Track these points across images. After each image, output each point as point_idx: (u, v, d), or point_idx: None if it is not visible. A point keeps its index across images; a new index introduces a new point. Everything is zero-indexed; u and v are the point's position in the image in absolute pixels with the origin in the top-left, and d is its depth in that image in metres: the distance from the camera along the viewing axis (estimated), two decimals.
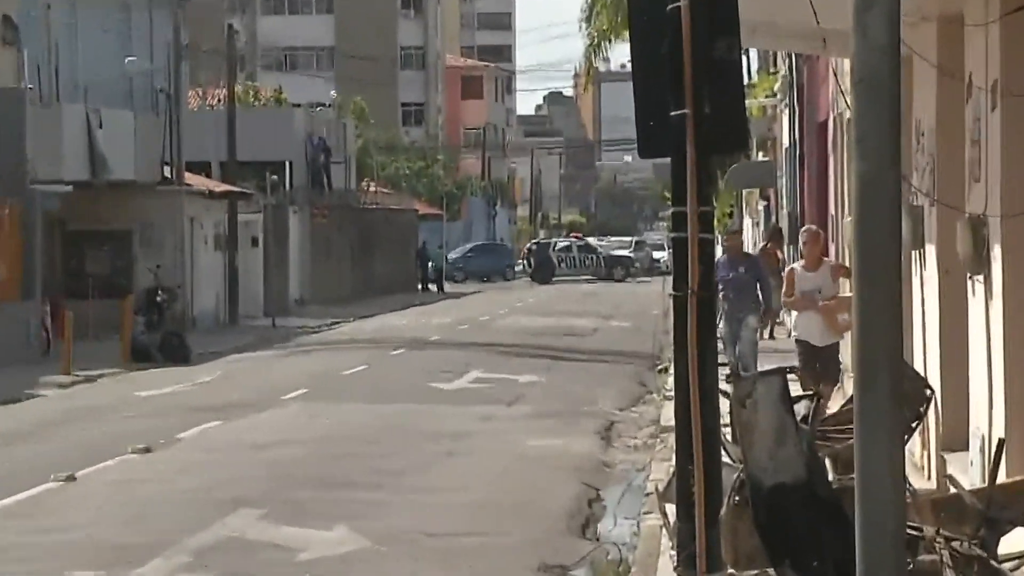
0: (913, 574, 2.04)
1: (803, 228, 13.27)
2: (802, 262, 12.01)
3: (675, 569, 7.21)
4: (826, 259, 12.19)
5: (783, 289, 12.04)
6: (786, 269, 12.65)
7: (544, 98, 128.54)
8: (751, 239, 37.98)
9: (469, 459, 12.09)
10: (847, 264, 11.99)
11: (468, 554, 8.48)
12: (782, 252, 22.60)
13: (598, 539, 9.08)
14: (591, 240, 63.53)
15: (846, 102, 11.08)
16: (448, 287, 50.68)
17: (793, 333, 12.44)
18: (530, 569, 8.08)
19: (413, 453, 12.42)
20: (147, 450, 12.62)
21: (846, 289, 11.90)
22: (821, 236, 12.48)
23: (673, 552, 7.45)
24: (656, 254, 62.74)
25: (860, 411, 2.20)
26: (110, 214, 28.31)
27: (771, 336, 20.01)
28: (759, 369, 14.70)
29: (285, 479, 11.08)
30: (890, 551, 2.21)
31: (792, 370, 11.16)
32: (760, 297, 14.39)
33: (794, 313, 12.28)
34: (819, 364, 11.50)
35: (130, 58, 28.47)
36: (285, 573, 8.02)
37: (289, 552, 8.51)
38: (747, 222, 38.38)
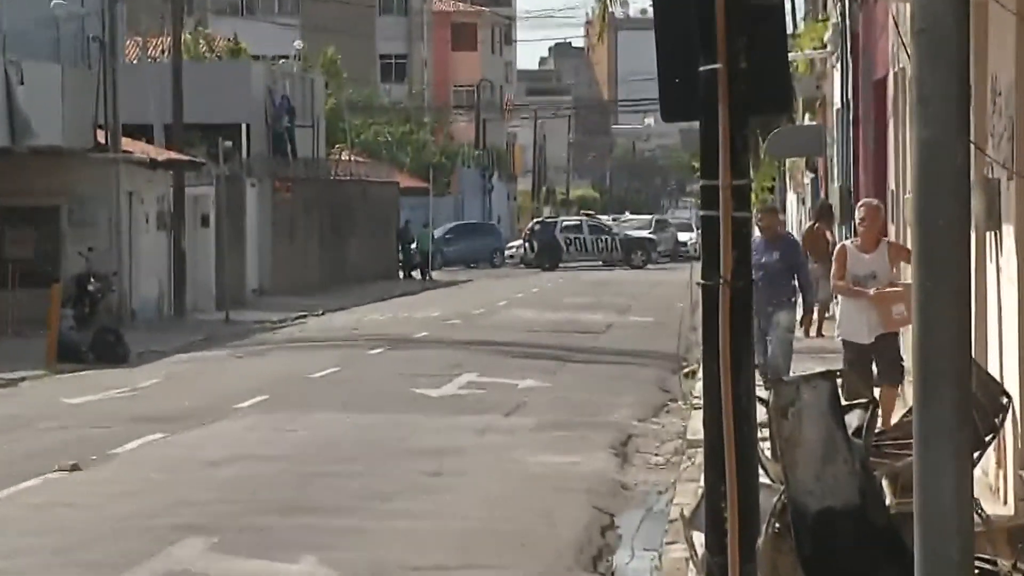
0: None
1: (861, 202, 13.08)
2: (856, 240, 11.84)
3: None
4: (885, 239, 12.03)
5: (832, 271, 11.91)
6: (837, 247, 12.52)
7: (550, 50, 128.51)
8: (795, 218, 38.00)
9: (460, 480, 12.12)
10: (910, 247, 11.96)
11: None
12: (832, 233, 22.62)
13: (612, 574, 9.10)
14: (604, 219, 63.61)
15: (908, 55, 11.09)
16: (435, 275, 50.70)
17: (837, 332, 12.26)
18: None
19: (394, 472, 12.44)
20: (76, 468, 12.65)
21: (905, 276, 11.83)
22: (882, 211, 12.32)
23: None
24: (682, 235, 62.79)
25: (920, 427, 2.21)
26: (33, 187, 28.32)
27: (818, 334, 20.03)
28: (793, 375, 14.59)
29: (241, 503, 11.10)
30: None
31: (840, 374, 11.05)
32: (797, 288, 14.24)
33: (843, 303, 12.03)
34: (873, 363, 11.40)
35: (57, 0, 28.43)
36: None
37: None
38: (791, 198, 38.41)
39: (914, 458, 2.23)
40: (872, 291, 11.39)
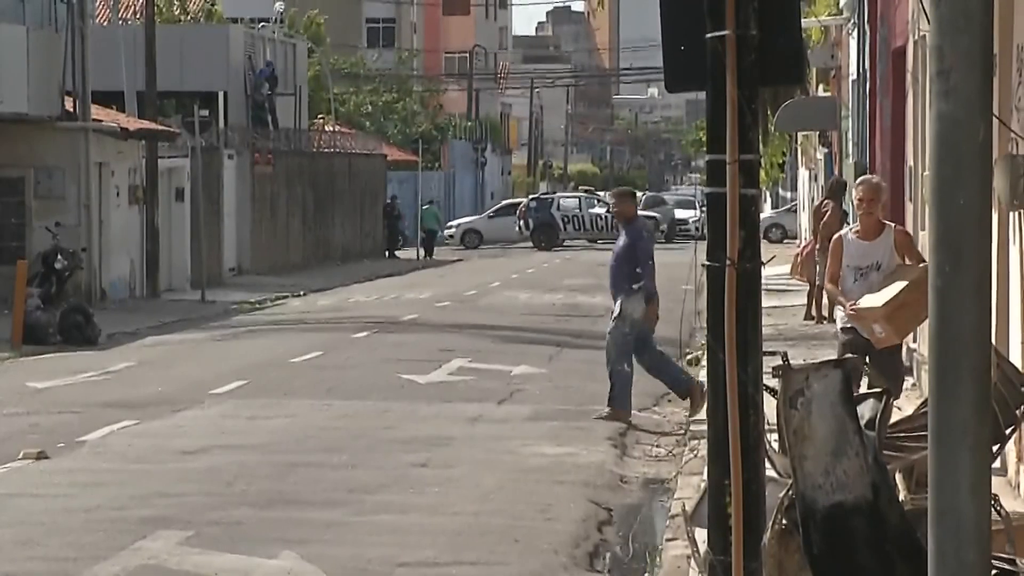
0: None
1: (859, 180, 11.76)
2: (855, 227, 10.72)
3: None
4: (891, 225, 10.89)
5: (827, 266, 10.80)
6: (833, 239, 10.96)
7: (548, 14, 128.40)
8: (807, 196, 37.94)
9: (450, 471, 12.14)
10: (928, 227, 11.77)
11: None
12: (845, 213, 22.61)
13: (610, 572, 9.13)
14: (603, 196, 63.56)
15: (928, 23, 11.08)
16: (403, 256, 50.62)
17: (840, 316, 10.87)
18: None
19: (380, 463, 12.46)
20: (43, 456, 12.66)
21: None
22: (884, 191, 11.18)
23: None
24: (682, 213, 62.54)
25: (936, 423, 2.21)
26: None
27: (829, 318, 20.05)
28: (619, 370, 14.77)
29: (217, 494, 11.12)
30: None
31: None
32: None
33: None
34: (866, 363, 10.23)
35: None
36: None
37: None
38: (802, 174, 38.41)
39: (929, 456, 2.23)
40: (848, 305, 10.35)
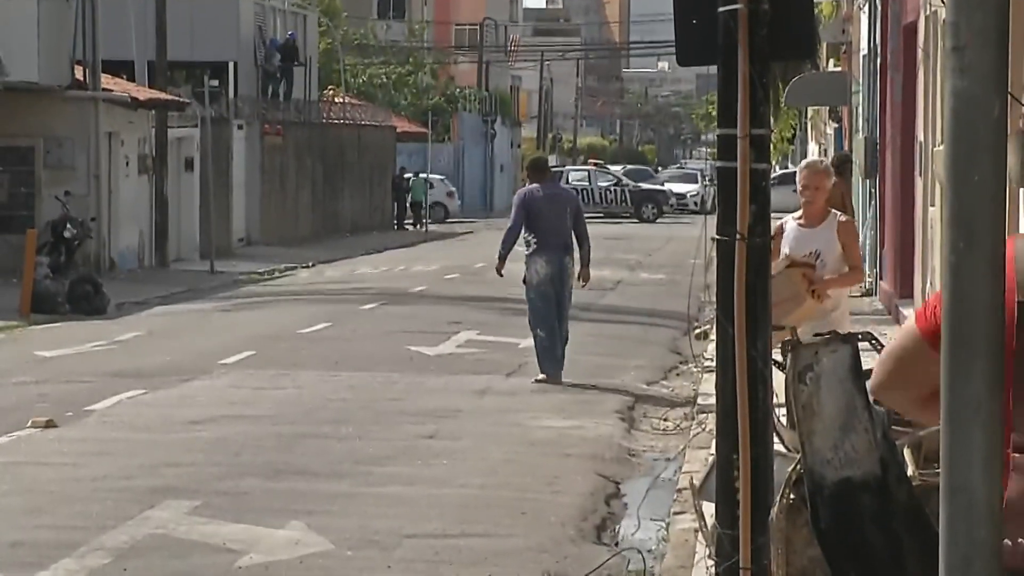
0: None
1: (803, 163, 10.81)
2: (798, 214, 9.93)
3: None
4: (834, 213, 10.16)
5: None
6: (775, 225, 10.62)
7: None
8: None
9: (458, 444, 12.16)
10: (937, 205, 11.47)
11: (455, 561, 8.54)
12: (849, 190, 22.59)
13: (617, 544, 9.14)
14: (615, 169, 63.41)
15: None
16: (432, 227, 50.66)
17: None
18: None
19: (388, 435, 12.48)
20: (51, 424, 12.69)
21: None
22: (830, 177, 10.28)
23: (710, 562, 7.51)
24: (681, 188, 62.14)
25: (948, 401, 2.20)
26: (7, 127, 28.28)
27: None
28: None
29: (224, 465, 11.14)
30: (982, 567, 2.23)
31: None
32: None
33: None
34: None
35: None
36: None
37: (229, 555, 8.57)
38: (812, 148, 38.38)
39: (941, 433, 2.23)
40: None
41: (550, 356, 15.27)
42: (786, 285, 9.04)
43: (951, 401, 2.18)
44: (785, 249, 9.58)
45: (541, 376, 15.28)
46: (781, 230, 9.82)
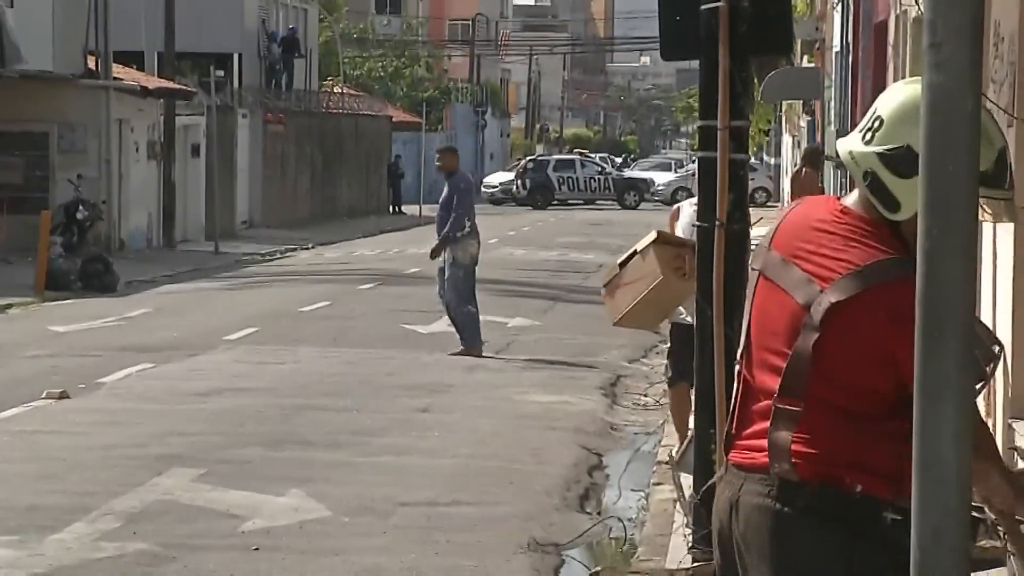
0: (971, 562, 2.07)
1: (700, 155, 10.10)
2: (695, 200, 9.05)
3: (689, 550, 7.28)
4: None
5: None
6: (674, 207, 9.98)
7: None
8: (789, 161, 37.86)
9: (450, 416, 12.15)
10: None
11: (446, 527, 8.54)
12: (821, 180, 22.57)
13: (599, 513, 9.15)
14: (596, 158, 63.36)
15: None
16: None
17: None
18: (517, 546, 8.15)
19: (383, 408, 12.47)
20: (65, 396, 12.66)
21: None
22: None
23: (687, 530, 7.51)
24: (659, 176, 61.72)
25: (922, 378, 2.20)
26: (23, 112, 28.19)
27: None
28: (463, 312, 15.31)
29: (228, 435, 11.13)
30: (951, 535, 2.23)
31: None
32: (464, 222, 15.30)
33: None
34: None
35: None
36: (229, 544, 8.08)
37: (233, 520, 8.56)
38: (786, 140, 38.34)
39: (915, 410, 2.23)
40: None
41: (477, 330, 15.53)
42: (647, 263, 8.25)
43: (923, 379, 2.18)
44: (679, 232, 9.30)
45: (461, 348, 15.45)
46: (677, 214, 9.74)
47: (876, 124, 3.34)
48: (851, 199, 3.42)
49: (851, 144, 3.40)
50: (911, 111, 3.27)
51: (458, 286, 15.51)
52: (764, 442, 3.31)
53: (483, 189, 58.10)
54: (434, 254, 15.89)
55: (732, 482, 3.41)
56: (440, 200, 15.91)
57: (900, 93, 3.37)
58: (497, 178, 59.83)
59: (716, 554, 3.55)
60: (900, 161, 3.27)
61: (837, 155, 3.48)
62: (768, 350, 3.36)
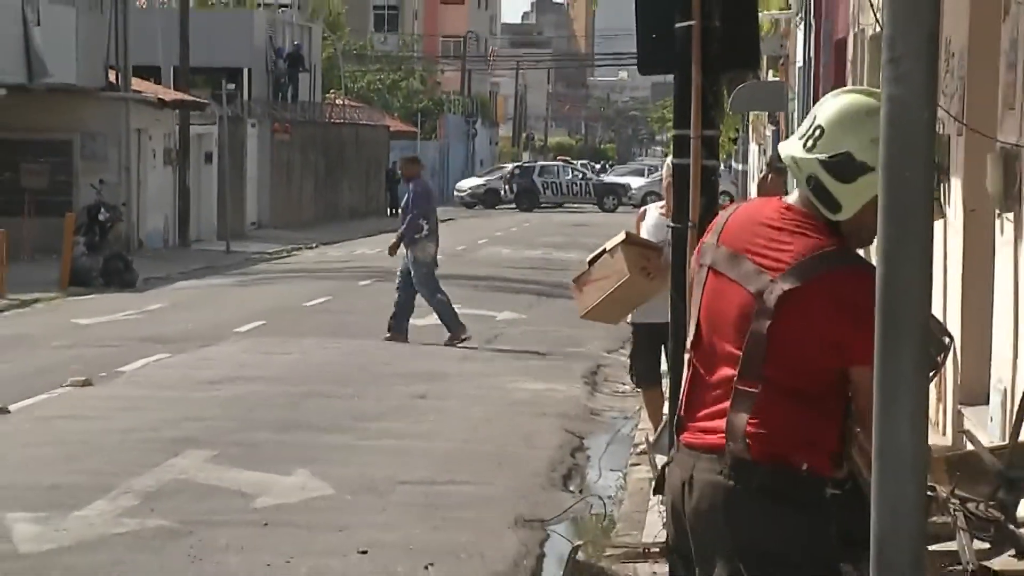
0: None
1: (667, 160, 9.08)
2: (662, 204, 8.98)
3: (664, 526, 7.27)
4: None
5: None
6: (639, 210, 9.74)
7: (532, 5, 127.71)
8: (755, 167, 37.90)
9: (444, 403, 12.14)
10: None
11: (441, 504, 8.53)
12: (785, 185, 22.55)
13: (581, 492, 9.15)
14: (578, 164, 63.38)
15: (876, 18, 11.00)
16: None
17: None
18: (507, 522, 8.15)
19: (382, 395, 12.45)
20: (88, 383, 12.63)
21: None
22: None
23: (662, 508, 7.51)
24: (634, 181, 61.28)
25: (881, 381, 2.20)
26: (48, 122, 28.11)
27: None
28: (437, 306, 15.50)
29: (238, 419, 11.11)
30: (907, 516, 2.23)
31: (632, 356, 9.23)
32: (423, 224, 15.54)
33: None
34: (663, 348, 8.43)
35: None
36: (241, 520, 8.06)
37: (244, 498, 8.55)
38: (753, 148, 38.36)
39: (874, 403, 2.23)
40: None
41: (455, 314, 15.64)
42: (616, 262, 8.10)
43: (883, 375, 2.18)
44: (644, 233, 9.02)
45: (449, 336, 15.55)
46: (644, 215, 9.41)
47: (817, 132, 3.34)
48: (793, 198, 3.43)
49: (793, 150, 3.40)
50: (850, 119, 3.28)
51: (424, 281, 15.67)
52: (716, 424, 3.31)
53: (455, 193, 57.96)
54: (391, 251, 16.19)
55: (684, 462, 3.41)
56: (402, 204, 16.18)
57: (838, 102, 3.36)
58: (468, 183, 59.51)
59: (670, 530, 3.56)
60: (841, 167, 3.27)
61: (779, 157, 3.49)
62: (720, 338, 3.36)
